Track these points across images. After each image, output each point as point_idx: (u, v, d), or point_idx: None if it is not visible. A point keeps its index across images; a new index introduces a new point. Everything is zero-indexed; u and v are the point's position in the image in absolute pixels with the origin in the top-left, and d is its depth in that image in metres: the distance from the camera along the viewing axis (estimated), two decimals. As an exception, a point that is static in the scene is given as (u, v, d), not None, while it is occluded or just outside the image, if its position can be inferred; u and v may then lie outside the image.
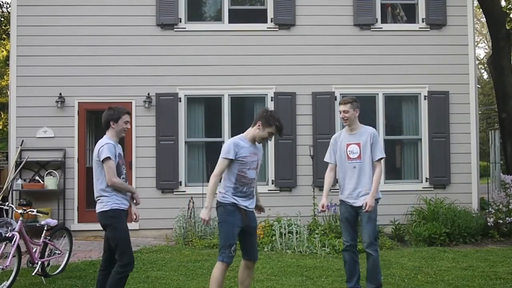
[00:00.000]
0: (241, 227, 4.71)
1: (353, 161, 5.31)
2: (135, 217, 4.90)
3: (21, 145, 9.27)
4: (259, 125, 4.77)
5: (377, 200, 5.29)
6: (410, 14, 10.28)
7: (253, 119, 4.96)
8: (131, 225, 5.15)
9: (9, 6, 14.72)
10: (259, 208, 5.03)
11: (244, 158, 4.73)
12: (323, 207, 5.35)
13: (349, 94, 9.82)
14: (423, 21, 10.05)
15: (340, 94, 9.73)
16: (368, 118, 10.02)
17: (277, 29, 9.86)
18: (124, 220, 4.72)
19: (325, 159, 5.60)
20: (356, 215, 5.35)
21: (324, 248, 7.80)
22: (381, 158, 5.29)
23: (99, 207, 4.73)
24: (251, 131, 4.84)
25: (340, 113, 5.41)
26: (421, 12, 10.08)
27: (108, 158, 4.63)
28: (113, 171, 4.64)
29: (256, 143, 4.88)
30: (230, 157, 4.70)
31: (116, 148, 4.75)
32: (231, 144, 4.74)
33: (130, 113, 4.99)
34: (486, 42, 34.23)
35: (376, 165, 5.28)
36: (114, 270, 4.65)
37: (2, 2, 18.83)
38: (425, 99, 9.92)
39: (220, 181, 4.80)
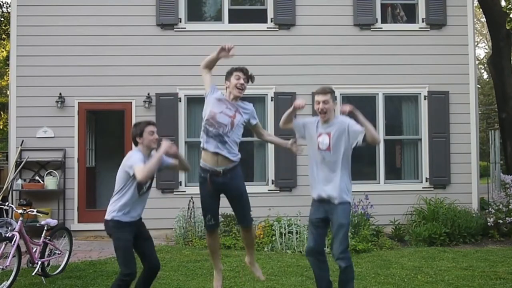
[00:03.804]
0: (215, 194, 4.69)
1: (322, 152, 4.74)
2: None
3: (21, 145, 9.27)
4: (226, 84, 4.79)
5: (348, 203, 4.76)
6: (410, 14, 10.29)
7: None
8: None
9: (9, 6, 14.72)
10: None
11: (214, 102, 4.72)
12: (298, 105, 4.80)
13: (349, 94, 9.85)
14: (423, 21, 10.06)
15: (340, 94, 9.72)
16: (368, 118, 10.01)
17: (277, 29, 9.86)
18: (125, 231, 4.59)
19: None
20: (325, 221, 4.82)
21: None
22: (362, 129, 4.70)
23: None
24: (227, 92, 4.79)
25: (319, 103, 4.73)
26: (421, 12, 10.08)
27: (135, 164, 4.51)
28: (143, 168, 4.44)
29: (241, 103, 4.78)
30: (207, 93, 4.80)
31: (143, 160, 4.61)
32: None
33: (152, 123, 4.76)
34: (486, 42, 34.25)
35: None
36: (116, 277, 4.66)
37: (2, 2, 18.84)
38: (425, 99, 9.92)
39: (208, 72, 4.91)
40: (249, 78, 4.81)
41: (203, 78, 4.89)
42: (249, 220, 4.86)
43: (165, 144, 4.55)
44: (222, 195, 4.82)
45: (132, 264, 4.56)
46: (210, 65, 4.88)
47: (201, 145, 4.73)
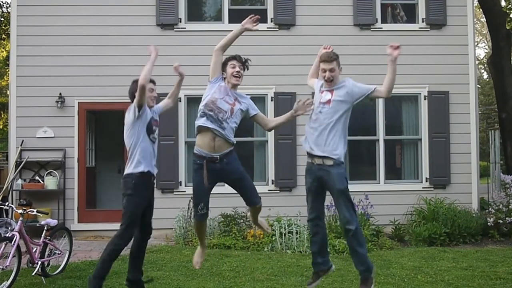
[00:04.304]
0: (210, 182, 4.72)
1: (320, 105, 4.75)
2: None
3: (21, 145, 9.27)
4: (222, 74, 4.85)
5: (342, 165, 4.66)
6: (410, 14, 10.28)
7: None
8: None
9: (9, 6, 14.72)
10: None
11: (216, 88, 4.77)
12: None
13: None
14: (423, 21, 10.06)
15: (340, 94, 9.72)
16: (368, 118, 10.07)
17: (277, 29, 9.86)
18: (141, 195, 4.69)
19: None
20: (322, 188, 4.76)
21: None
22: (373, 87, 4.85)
23: None
24: (225, 82, 4.84)
25: (325, 72, 4.77)
26: (421, 12, 10.08)
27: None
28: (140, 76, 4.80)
29: (240, 93, 4.89)
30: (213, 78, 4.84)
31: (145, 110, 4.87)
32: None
33: (152, 81, 5.07)
34: (486, 42, 34.24)
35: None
36: (111, 240, 4.73)
37: (2, 2, 18.85)
38: (425, 99, 9.92)
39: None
40: (244, 64, 4.93)
41: (213, 61, 4.92)
42: (258, 199, 4.85)
43: (153, 49, 5.05)
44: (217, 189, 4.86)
45: (133, 229, 4.72)
46: (227, 44, 5.05)
47: (198, 125, 4.72)
